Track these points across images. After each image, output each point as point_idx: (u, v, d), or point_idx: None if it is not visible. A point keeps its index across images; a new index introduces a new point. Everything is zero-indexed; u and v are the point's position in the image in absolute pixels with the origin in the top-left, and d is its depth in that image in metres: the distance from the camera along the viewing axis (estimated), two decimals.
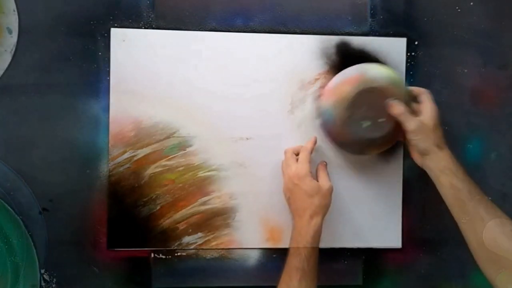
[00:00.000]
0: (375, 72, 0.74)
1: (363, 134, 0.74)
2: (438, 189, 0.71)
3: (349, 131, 0.74)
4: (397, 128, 0.74)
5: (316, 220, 0.71)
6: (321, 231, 0.72)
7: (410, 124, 0.71)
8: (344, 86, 0.74)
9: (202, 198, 0.78)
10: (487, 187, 0.82)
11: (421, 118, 0.72)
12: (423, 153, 0.72)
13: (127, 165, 0.77)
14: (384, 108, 0.73)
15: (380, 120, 0.74)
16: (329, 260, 0.80)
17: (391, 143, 0.78)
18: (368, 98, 0.73)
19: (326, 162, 0.78)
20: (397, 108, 0.72)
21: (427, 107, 0.73)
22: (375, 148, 0.77)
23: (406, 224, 0.81)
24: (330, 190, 0.74)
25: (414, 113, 0.73)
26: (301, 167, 0.73)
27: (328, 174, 0.76)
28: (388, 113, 0.73)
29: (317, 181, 0.74)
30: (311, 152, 0.76)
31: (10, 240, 0.75)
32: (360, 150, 0.78)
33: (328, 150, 0.80)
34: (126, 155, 0.77)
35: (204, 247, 0.79)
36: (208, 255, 0.79)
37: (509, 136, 0.83)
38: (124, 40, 0.77)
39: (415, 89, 0.76)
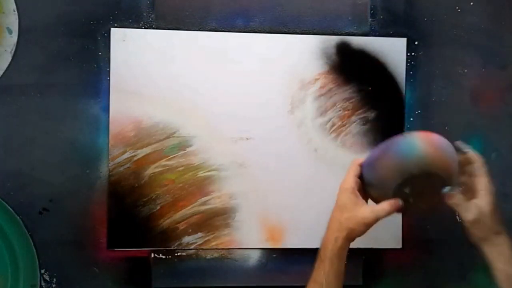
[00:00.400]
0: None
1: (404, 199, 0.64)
2: (493, 272, 0.65)
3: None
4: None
5: (337, 236, 0.65)
6: (344, 252, 0.65)
7: (468, 215, 0.64)
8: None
9: (202, 198, 0.78)
10: None
11: (479, 204, 0.64)
12: (481, 240, 0.66)
13: (127, 165, 0.77)
14: (436, 193, 0.64)
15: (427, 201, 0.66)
16: None
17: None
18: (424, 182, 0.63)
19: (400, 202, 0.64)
20: (454, 198, 0.64)
21: (483, 186, 0.65)
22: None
23: (406, 224, 0.81)
24: (364, 220, 0.63)
25: (467, 189, 0.65)
26: (346, 178, 0.67)
27: (386, 210, 0.63)
28: (438, 198, 0.65)
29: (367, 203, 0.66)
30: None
31: (10, 240, 0.75)
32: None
33: (329, 150, 0.80)
34: (126, 155, 0.77)
35: (204, 247, 0.79)
36: (208, 255, 0.79)
37: (509, 136, 0.83)
38: (124, 40, 0.77)
39: (468, 156, 0.66)
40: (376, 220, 0.64)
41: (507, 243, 0.65)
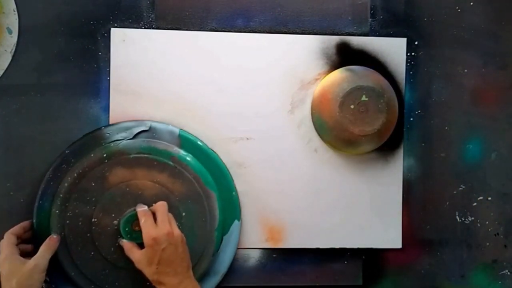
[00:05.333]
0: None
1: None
2: None
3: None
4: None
5: None
6: None
7: (135, 255, 0.68)
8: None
9: None
10: (487, 187, 0.83)
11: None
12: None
13: None
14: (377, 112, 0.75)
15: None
16: (329, 260, 0.80)
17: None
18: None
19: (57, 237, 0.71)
20: (126, 245, 0.70)
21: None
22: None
23: (406, 224, 0.81)
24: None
25: None
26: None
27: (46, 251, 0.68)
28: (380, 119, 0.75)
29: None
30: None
31: None
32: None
33: (328, 151, 0.80)
34: None
35: None
36: None
37: (509, 136, 0.83)
38: (124, 40, 0.77)
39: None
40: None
41: None
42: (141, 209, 0.70)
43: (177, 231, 0.68)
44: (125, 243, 0.70)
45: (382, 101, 0.75)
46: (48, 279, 0.76)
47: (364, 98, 0.74)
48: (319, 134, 0.79)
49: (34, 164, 0.76)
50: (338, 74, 0.77)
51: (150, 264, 0.66)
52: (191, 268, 0.69)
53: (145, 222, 0.68)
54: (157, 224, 0.68)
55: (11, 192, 0.76)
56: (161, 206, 0.69)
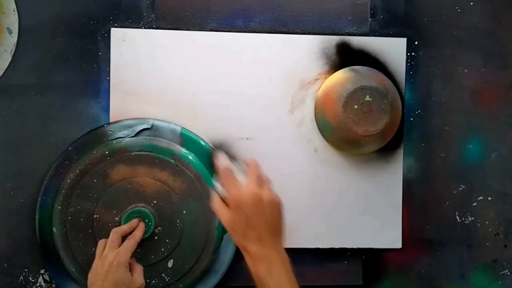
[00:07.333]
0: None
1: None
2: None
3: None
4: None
5: None
6: None
7: (222, 215, 0.63)
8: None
9: None
10: (487, 187, 0.83)
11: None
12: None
13: None
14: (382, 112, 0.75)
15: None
16: (329, 260, 0.80)
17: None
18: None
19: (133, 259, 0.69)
20: (214, 200, 0.64)
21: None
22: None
23: (406, 224, 0.81)
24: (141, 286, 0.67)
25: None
26: (123, 253, 0.66)
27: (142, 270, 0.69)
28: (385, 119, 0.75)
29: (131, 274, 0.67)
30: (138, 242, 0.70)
31: None
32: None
33: (328, 151, 0.80)
34: None
35: None
36: None
37: (509, 136, 0.83)
38: (124, 40, 0.77)
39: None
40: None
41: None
42: (223, 167, 0.64)
43: (267, 194, 0.61)
44: (214, 197, 0.63)
45: (386, 101, 0.75)
46: (48, 278, 0.76)
47: (367, 98, 0.74)
48: (322, 134, 0.79)
49: (34, 164, 0.76)
50: (341, 74, 0.77)
51: (234, 227, 0.61)
52: (281, 239, 0.62)
53: (228, 183, 0.62)
54: (245, 183, 0.62)
55: (11, 192, 0.76)
56: (253, 167, 0.64)
